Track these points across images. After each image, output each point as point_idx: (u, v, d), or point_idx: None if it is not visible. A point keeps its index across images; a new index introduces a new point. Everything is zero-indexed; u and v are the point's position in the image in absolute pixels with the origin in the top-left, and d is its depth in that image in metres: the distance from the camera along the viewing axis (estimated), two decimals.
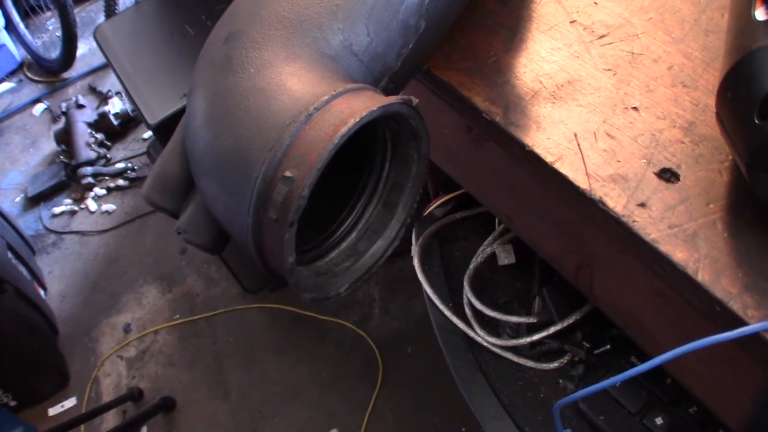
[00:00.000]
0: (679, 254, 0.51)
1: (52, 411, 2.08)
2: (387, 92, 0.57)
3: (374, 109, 0.48)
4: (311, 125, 0.47)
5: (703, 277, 0.50)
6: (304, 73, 0.51)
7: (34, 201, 2.67)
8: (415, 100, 0.53)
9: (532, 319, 0.86)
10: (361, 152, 0.60)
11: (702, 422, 0.76)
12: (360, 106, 0.48)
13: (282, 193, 0.46)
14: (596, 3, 0.69)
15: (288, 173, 0.46)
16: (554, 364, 0.86)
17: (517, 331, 0.89)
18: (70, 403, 2.10)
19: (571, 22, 0.69)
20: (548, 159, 0.59)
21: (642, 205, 0.54)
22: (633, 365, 0.80)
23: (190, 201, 0.58)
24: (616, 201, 0.55)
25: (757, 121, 0.45)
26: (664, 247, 0.52)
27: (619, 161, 0.57)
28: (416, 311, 2.03)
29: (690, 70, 0.62)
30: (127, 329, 2.23)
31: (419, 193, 0.61)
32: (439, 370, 1.84)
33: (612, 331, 0.84)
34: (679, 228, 0.53)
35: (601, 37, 0.67)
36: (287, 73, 0.51)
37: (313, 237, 0.60)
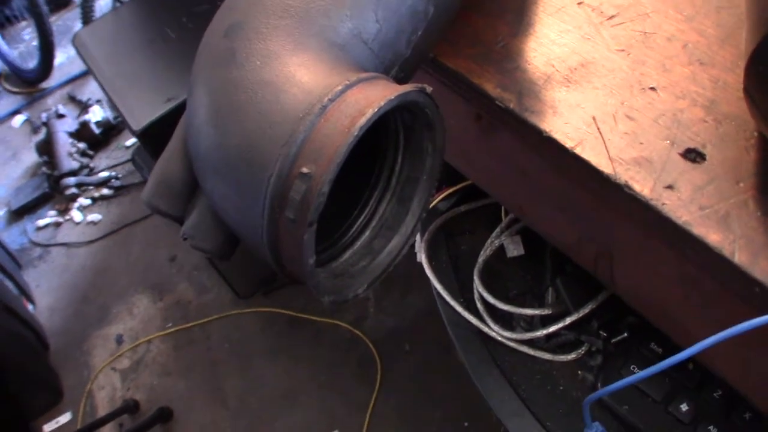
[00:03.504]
0: (713, 236, 0.49)
1: (47, 428, 2.06)
2: (398, 81, 0.55)
3: (392, 98, 0.45)
4: (326, 117, 0.45)
5: (740, 258, 0.48)
6: (313, 64, 0.49)
7: (17, 214, 2.63)
8: (430, 88, 0.50)
9: (546, 311, 0.84)
10: (372, 146, 0.57)
11: (728, 406, 0.75)
12: (377, 95, 0.46)
13: (300, 191, 0.44)
14: None
15: (305, 169, 0.44)
16: (572, 356, 0.84)
17: (531, 323, 0.87)
18: (65, 418, 2.06)
19: (579, 3, 0.67)
20: (568, 144, 0.56)
21: (670, 187, 0.52)
22: (653, 352, 0.78)
23: (195, 204, 0.56)
24: (642, 184, 0.53)
25: None
26: (698, 230, 0.50)
27: (641, 143, 0.55)
28: (411, 308, 2.02)
29: (705, 48, 0.60)
30: (119, 340, 2.20)
31: (434, 187, 0.58)
32: (438, 365, 1.85)
33: (628, 318, 0.82)
34: (711, 209, 0.51)
35: (611, 17, 0.65)
36: (295, 63, 0.48)
37: (325, 237, 0.57)
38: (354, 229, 0.59)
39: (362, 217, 0.59)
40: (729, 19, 0.62)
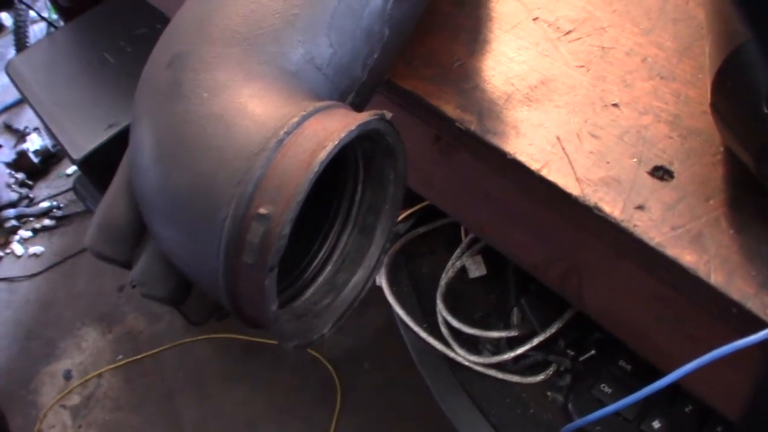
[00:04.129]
0: (687, 257, 0.48)
1: None
2: (355, 107, 0.52)
3: (352, 128, 0.42)
4: (284, 152, 0.42)
5: (716, 279, 0.47)
6: (265, 94, 0.45)
7: None
8: (390, 115, 0.48)
9: (513, 333, 0.82)
10: (331, 176, 0.54)
11: (700, 420, 0.74)
12: (335, 126, 0.43)
13: (258, 234, 0.40)
14: None
15: (263, 210, 0.41)
16: (540, 377, 0.82)
17: (498, 346, 0.85)
18: None
19: (534, 19, 0.65)
20: (533, 166, 0.54)
21: (640, 207, 0.51)
22: (622, 369, 0.77)
23: (143, 249, 0.52)
24: (612, 206, 0.51)
25: (766, 110, 0.42)
26: (671, 251, 0.48)
27: (608, 162, 0.53)
28: (369, 326, 1.99)
29: (664, 61, 0.59)
30: (68, 376, 2.12)
31: (397, 216, 0.56)
32: (399, 383, 1.82)
33: (595, 335, 0.81)
34: (683, 229, 0.49)
35: (568, 32, 0.63)
36: (246, 94, 0.45)
37: (285, 275, 0.54)
38: (315, 264, 0.56)
39: (323, 252, 0.56)
40: (686, 30, 0.61)
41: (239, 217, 0.41)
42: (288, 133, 0.42)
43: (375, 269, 0.55)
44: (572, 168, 0.54)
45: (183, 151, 0.45)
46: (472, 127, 0.58)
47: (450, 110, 0.60)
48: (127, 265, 0.53)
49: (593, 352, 0.80)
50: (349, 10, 0.49)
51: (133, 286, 0.51)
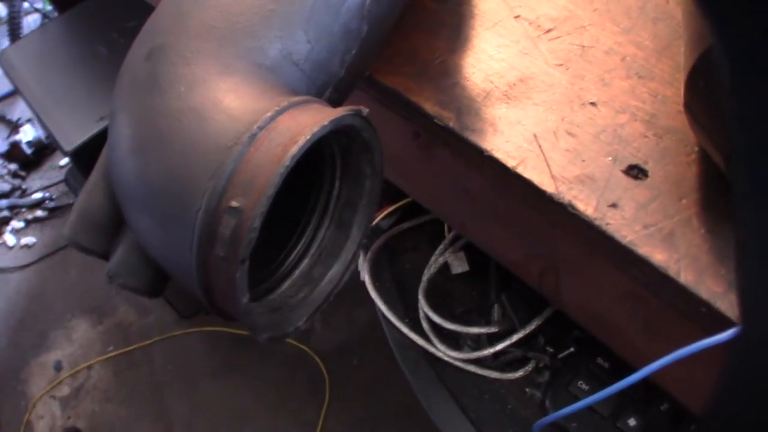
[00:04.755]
0: (658, 255, 0.48)
1: None
2: (332, 103, 0.52)
3: (325, 123, 0.43)
4: (256, 146, 0.42)
5: (686, 278, 0.47)
6: (241, 88, 0.46)
7: None
8: (366, 110, 0.48)
9: (492, 329, 0.83)
10: (307, 170, 0.55)
11: (674, 419, 0.74)
12: (308, 121, 0.43)
13: (229, 227, 0.41)
14: None
15: (234, 203, 0.41)
16: (519, 373, 0.83)
17: (479, 342, 0.85)
18: None
19: (516, 17, 0.65)
20: (509, 163, 0.55)
21: (614, 205, 0.51)
22: (600, 367, 0.78)
23: (121, 240, 0.52)
24: (586, 203, 0.52)
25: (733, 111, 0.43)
26: (642, 249, 0.49)
27: (583, 161, 0.54)
28: (358, 321, 2.00)
29: (643, 60, 0.60)
30: (58, 367, 2.12)
31: (374, 211, 0.56)
32: (387, 378, 1.83)
33: (574, 332, 0.82)
34: (655, 227, 0.50)
35: (548, 31, 0.64)
36: (222, 89, 0.46)
37: (261, 268, 0.54)
38: (291, 258, 0.56)
39: (300, 246, 0.56)
40: (665, 30, 0.61)
41: (212, 210, 0.42)
42: (261, 128, 0.43)
43: (351, 263, 0.56)
44: (548, 165, 0.54)
45: (159, 144, 0.45)
46: (451, 124, 0.58)
47: (429, 107, 0.60)
48: (105, 257, 0.54)
49: (572, 349, 0.81)
50: (326, 6, 0.50)
51: (110, 278, 0.52)
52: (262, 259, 0.54)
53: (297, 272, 0.55)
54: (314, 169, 0.55)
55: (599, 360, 0.78)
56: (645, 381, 0.75)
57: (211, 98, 0.45)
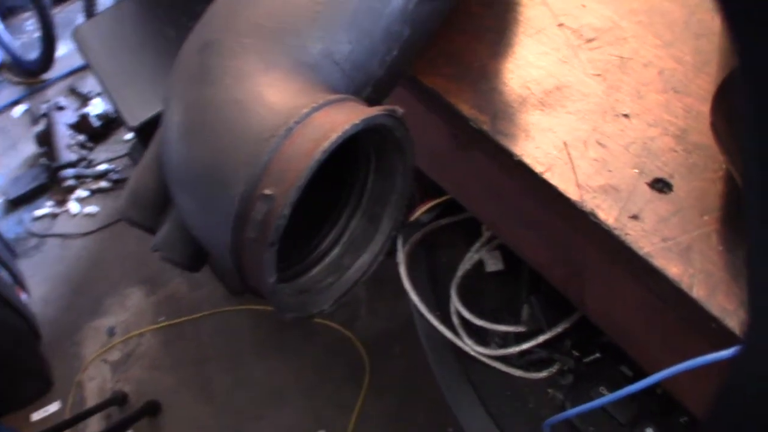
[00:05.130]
0: (673, 269, 0.50)
1: (36, 416, 2.06)
2: (370, 101, 0.55)
3: (357, 122, 0.46)
4: (291, 140, 0.45)
5: (698, 292, 0.48)
6: (283, 84, 0.49)
7: (15, 204, 2.63)
8: (400, 111, 0.51)
9: (520, 328, 0.85)
10: (344, 163, 0.58)
11: (693, 431, 0.75)
12: (342, 119, 0.46)
13: (261, 213, 0.44)
14: (584, 5, 0.67)
15: (267, 191, 0.44)
16: (543, 374, 0.85)
17: (506, 339, 0.87)
18: (53, 407, 2.07)
19: (559, 25, 0.67)
20: (537, 169, 0.57)
21: (635, 217, 0.53)
22: (623, 375, 0.79)
23: (167, 217, 0.56)
24: (607, 213, 0.53)
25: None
26: (658, 261, 0.50)
27: (610, 171, 0.55)
28: (403, 312, 2.01)
29: (681, 75, 0.60)
30: (111, 332, 2.21)
31: (404, 206, 0.59)
32: (426, 371, 1.83)
33: (601, 338, 0.83)
34: (673, 241, 0.51)
35: (590, 40, 0.65)
36: (265, 83, 0.49)
37: (295, 253, 0.57)
38: (324, 245, 0.59)
39: (332, 234, 0.59)
40: (707, 46, 0.62)
41: (247, 196, 0.45)
42: (297, 122, 0.46)
43: (379, 255, 0.58)
44: (574, 173, 0.56)
45: (204, 132, 0.49)
46: (485, 127, 0.60)
47: (466, 109, 0.62)
48: (152, 231, 0.58)
49: (597, 355, 0.82)
50: (369, 10, 0.52)
51: (155, 251, 0.56)
52: (296, 245, 0.58)
53: (327, 259, 0.58)
54: (350, 163, 0.58)
55: (623, 368, 0.79)
56: (667, 393, 0.76)
57: (254, 92, 0.48)
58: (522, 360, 0.87)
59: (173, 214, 0.56)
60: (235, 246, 0.47)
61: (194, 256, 0.56)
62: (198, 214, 0.50)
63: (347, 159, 0.57)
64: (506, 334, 0.87)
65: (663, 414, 0.76)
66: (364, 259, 0.58)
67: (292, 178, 0.44)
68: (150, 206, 0.57)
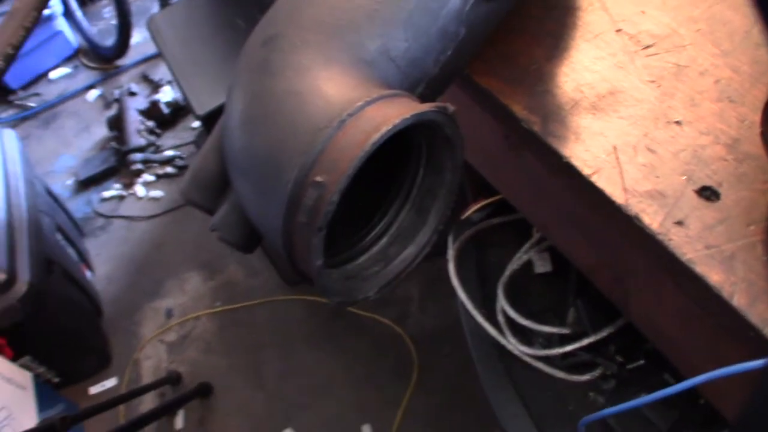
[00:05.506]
0: (714, 276, 0.50)
1: (93, 390, 2.14)
2: (423, 98, 0.57)
3: (407, 116, 0.47)
4: (344, 131, 0.47)
5: (738, 301, 0.49)
6: (339, 78, 0.51)
7: (84, 185, 2.74)
8: (451, 108, 0.52)
9: (565, 330, 0.85)
10: (397, 157, 0.60)
11: None
12: (393, 113, 0.48)
13: (312, 198, 0.47)
14: (644, 12, 0.68)
15: (319, 178, 0.47)
16: (585, 377, 0.85)
17: (550, 341, 0.88)
18: (110, 383, 2.15)
19: (617, 30, 0.67)
20: (585, 171, 0.58)
21: (679, 223, 0.53)
22: (666, 383, 0.78)
23: (225, 200, 0.59)
24: (652, 218, 0.54)
25: None
26: (700, 268, 0.50)
27: (657, 177, 0.56)
28: (454, 312, 2.01)
29: (738, 85, 0.60)
30: (169, 314, 2.27)
31: (452, 201, 0.60)
32: (473, 373, 1.84)
33: (646, 346, 0.83)
34: (717, 249, 0.51)
35: (647, 47, 0.65)
36: (323, 77, 0.51)
37: (344, 241, 0.60)
38: (373, 234, 0.61)
39: (382, 224, 0.61)
40: (766, 57, 0.62)
41: (300, 182, 0.48)
42: (351, 115, 0.48)
43: (425, 247, 0.60)
44: (621, 177, 0.56)
45: (263, 121, 0.51)
46: (536, 128, 0.62)
47: (518, 110, 0.63)
48: (211, 212, 0.61)
49: (642, 362, 0.82)
50: (426, 9, 0.54)
51: (212, 231, 0.59)
52: (346, 233, 0.60)
53: (375, 248, 0.61)
54: (402, 157, 0.60)
55: (666, 376, 0.79)
56: (708, 404, 0.76)
57: (313, 84, 0.51)
58: (565, 362, 0.87)
59: (231, 197, 0.59)
60: (286, 229, 0.49)
61: (249, 237, 0.59)
62: (254, 197, 0.53)
63: (400, 153, 0.59)
64: (551, 335, 0.87)
65: (704, 425, 0.76)
66: (410, 250, 0.60)
67: (343, 167, 0.46)
68: (210, 188, 0.60)
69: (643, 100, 0.61)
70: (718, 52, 0.63)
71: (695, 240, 0.52)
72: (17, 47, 1.29)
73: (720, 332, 0.53)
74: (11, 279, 1.73)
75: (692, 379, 0.48)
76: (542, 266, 0.94)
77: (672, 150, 0.57)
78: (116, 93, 2.93)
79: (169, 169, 2.68)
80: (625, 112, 0.61)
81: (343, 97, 0.50)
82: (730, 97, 0.60)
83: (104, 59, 3.23)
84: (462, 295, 0.94)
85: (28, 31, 1.29)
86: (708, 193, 0.54)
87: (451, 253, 0.99)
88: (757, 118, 0.58)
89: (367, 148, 0.46)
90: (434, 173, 0.59)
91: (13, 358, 1.83)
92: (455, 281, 0.95)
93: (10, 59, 1.29)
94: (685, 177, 0.55)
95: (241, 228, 0.58)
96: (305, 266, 0.50)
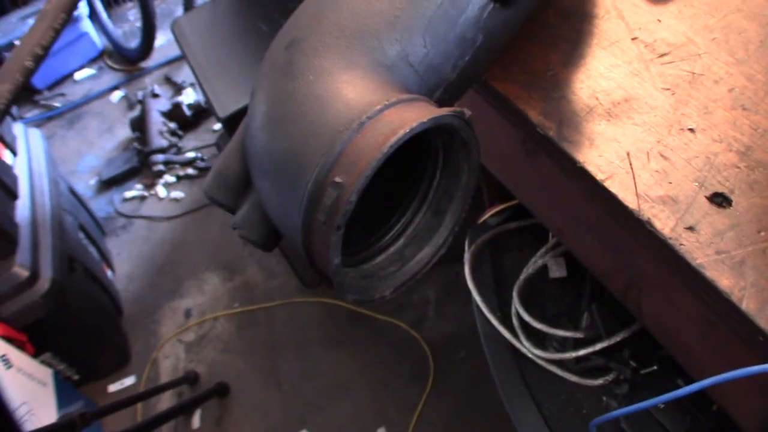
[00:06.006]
0: (724, 281, 0.51)
1: (112, 387, 2.16)
2: (441, 103, 0.58)
3: (425, 120, 0.49)
4: (363, 133, 0.49)
5: (748, 305, 0.50)
6: (359, 82, 0.53)
7: (107, 185, 2.77)
8: (468, 113, 0.54)
9: (579, 334, 0.86)
10: (414, 159, 0.61)
11: None
12: (411, 116, 0.49)
13: (331, 198, 0.48)
14: (660, 20, 0.69)
15: (338, 179, 0.48)
16: (599, 381, 0.86)
17: (564, 344, 0.89)
18: (129, 381, 2.17)
19: (633, 39, 0.68)
20: (599, 177, 0.59)
21: (690, 228, 0.54)
22: (679, 388, 0.79)
23: (247, 199, 0.61)
24: (664, 223, 0.55)
25: None
26: (710, 273, 0.51)
27: (670, 183, 0.57)
28: (471, 317, 2.00)
29: (751, 93, 0.61)
30: (187, 314, 2.29)
31: (468, 203, 0.61)
32: (489, 377, 1.83)
33: (660, 352, 0.83)
34: (727, 254, 0.52)
35: (662, 55, 0.66)
36: (344, 81, 0.53)
37: (362, 241, 0.61)
38: (390, 235, 0.63)
39: (399, 225, 0.63)
40: None
41: (319, 182, 0.49)
42: (370, 118, 0.49)
43: (441, 248, 0.61)
44: (634, 183, 0.57)
45: (285, 122, 0.53)
46: (551, 133, 0.63)
47: (534, 115, 0.64)
48: (233, 211, 0.62)
49: (655, 367, 0.82)
50: (445, 16, 0.56)
51: (234, 228, 0.61)
52: (364, 234, 0.62)
53: (392, 249, 0.62)
54: (420, 160, 0.61)
55: (679, 382, 0.80)
56: (721, 410, 0.76)
57: (333, 88, 0.52)
58: (578, 366, 0.88)
59: (253, 196, 0.60)
60: (305, 228, 0.51)
61: (269, 236, 0.60)
62: (274, 196, 0.54)
63: (417, 157, 0.60)
64: (564, 339, 0.88)
65: (716, 431, 0.76)
66: (426, 251, 0.62)
67: (361, 168, 0.47)
68: (232, 187, 0.62)
69: (657, 108, 0.62)
70: (733, 61, 0.64)
71: (706, 245, 0.53)
72: (47, 48, 1.32)
73: (731, 337, 0.54)
74: (34, 276, 1.76)
75: (703, 381, 0.49)
76: (557, 271, 0.95)
77: (685, 157, 0.58)
78: (139, 94, 2.97)
79: (190, 171, 2.70)
80: (639, 119, 0.62)
81: (363, 101, 0.51)
82: (744, 105, 0.60)
83: (128, 61, 3.27)
84: (477, 298, 0.95)
85: (58, 33, 1.32)
86: (720, 200, 0.55)
87: (467, 257, 1.00)
88: None
89: (385, 150, 0.47)
90: (451, 176, 0.60)
91: (34, 355, 1.86)
92: (471, 284, 0.97)
93: (40, 59, 1.32)
94: (697, 183, 0.56)
95: (261, 226, 0.60)
96: (324, 264, 0.52)
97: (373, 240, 0.62)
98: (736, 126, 0.59)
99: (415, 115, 0.50)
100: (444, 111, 0.51)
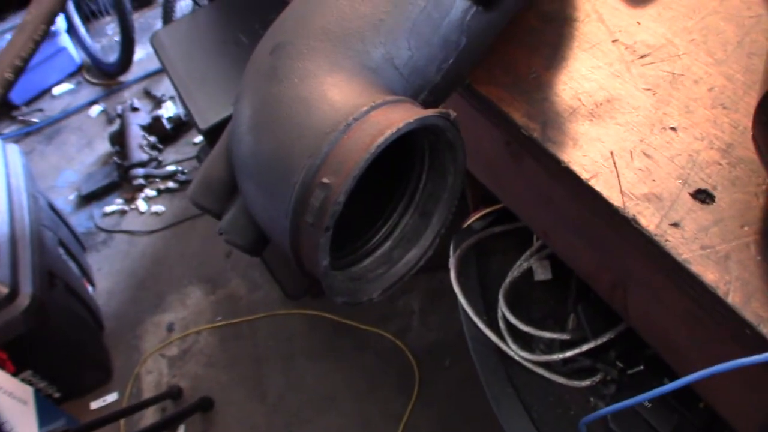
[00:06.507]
0: (710, 275, 0.51)
1: (94, 404, 2.14)
2: (426, 105, 0.59)
3: (411, 121, 0.49)
4: (349, 135, 0.49)
5: (733, 299, 0.50)
6: (345, 84, 0.53)
7: (86, 199, 2.75)
8: (453, 114, 0.54)
9: (565, 336, 0.86)
10: (400, 162, 0.61)
11: None
12: (397, 117, 0.50)
13: (319, 199, 0.48)
14: (639, 23, 0.69)
15: (325, 180, 0.48)
16: (586, 382, 0.86)
17: (551, 347, 0.89)
18: (111, 397, 2.15)
19: (614, 41, 0.69)
20: (583, 176, 0.59)
21: (675, 224, 0.55)
22: None
23: (233, 203, 0.61)
24: (649, 220, 0.55)
25: None
26: (696, 268, 0.52)
27: (654, 180, 0.58)
28: (455, 324, 2.00)
29: (731, 92, 0.62)
30: (170, 328, 2.28)
31: (455, 205, 0.62)
32: (475, 383, 1.83)
33: (646, 351, 0.84)
34: (712, 249, 0.53)
35: (643, 56, 0.67)
36: (329, 83, 0.53)
37: (349, 244, 0.61)
38: (377, 237, 0.63)
39: (386, 228, 0.63)
40: (759, 65, 0.63)
41: (307, 184, 0.49)
42: (356, 119, 0.49)
43: (428, 250, 0.62)
44: (619, 181, 0.58)
45: (271, 125, 0.53)
46: (535, 135, 0.63)
47: (518, 117, 0.65)
48: (219, 216, 0.62)
49: (642, 367, 0.83)
50: (429, 19, 0.56)
51: (220, 233, 0.60)
52: (351, 237, 0.62)
53: (379, 251, 0.62)
54: (406, 162, 0.61)
55: (666, 381, 0.80)
56: (708, 408, 0.77)
57: (319, 90, 0.52)
58: (566, 368, 0.88)
59: (239, 200, 0.60)
60: (293, 230, 0.51)
61: (256, 240, 0.60)
62: (261, 200, 0.54)
63: (404, 158, 0.61)
64: (551, 341, 0.89)
65: (704, 429, 0.77)
66: (413, 253, 0.62)
67: (349, 168, 0.48)
68: (217, 193, 0.61)
69: (639, 108, 0.63)
70: (712, 61, 0.65)
71: (691, 241, 0.53)
72: (26, 60, 1.31)
73: (717, 332, 0.55)
74: (14, 292, 1.75)
75: (691, 375, 0.49)
76: (543, 273, 0.95)
77: (667, 155, 0.59)
78: (119, 108, 2.95)
79: (170, 184, 2.69)
80: (622, 119, 0.63)
81: (349, 103, 0.51)
82: (724, 104, 0.61)
83: (107, 75, 3.26)
84: (463, 302, 0.96)
85: (37, 45, 1.31)
86: (703, 196, 0.56)
87: (452, 262, 1.00)
88: (750, 123, 0.59)
89: (372, 150, 0.47)
90: (437, 177, 0.61)
91: (15, 373, 1.84)
92: (457, 289, 0.97)
93: (20, 71, 1.32)
94: (680, 180, 0.57)
95: (248, 231, 0.60)
96: (312, 267, 0.52)
97: (360, 243, 0.62)
98: (717, 124, 0.60)
99: (401, 116, 0.50)
100: (430, 112, 0.52)
